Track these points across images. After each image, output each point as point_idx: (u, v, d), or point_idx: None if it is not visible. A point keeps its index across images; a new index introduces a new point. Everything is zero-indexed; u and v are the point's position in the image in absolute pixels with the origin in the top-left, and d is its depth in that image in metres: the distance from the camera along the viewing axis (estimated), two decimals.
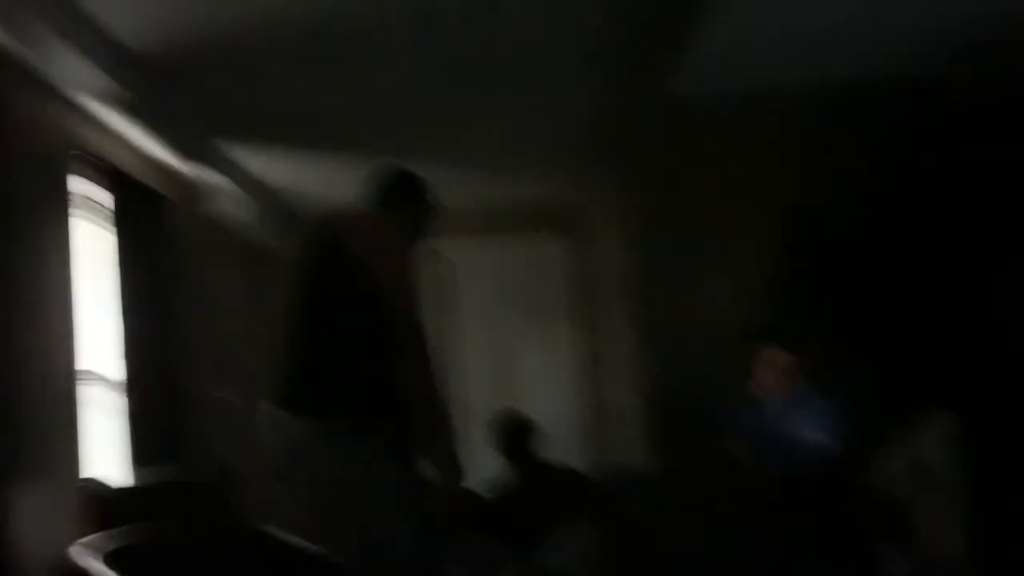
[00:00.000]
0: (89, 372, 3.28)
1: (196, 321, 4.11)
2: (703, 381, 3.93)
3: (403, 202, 2.37)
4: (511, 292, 5.94)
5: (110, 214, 3.39)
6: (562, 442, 5.16)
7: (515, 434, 3.62)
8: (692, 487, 3.66)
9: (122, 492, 2.95)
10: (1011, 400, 3.63)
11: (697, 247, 4.14)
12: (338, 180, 5.12)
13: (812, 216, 3.98)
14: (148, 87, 3.41)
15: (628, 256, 4.44)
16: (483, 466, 4.33)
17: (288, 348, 2.17)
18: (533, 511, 3.28)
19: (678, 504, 3.56)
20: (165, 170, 4.02)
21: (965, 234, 3.89)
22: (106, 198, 3.38)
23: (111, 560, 2.26)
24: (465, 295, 5.91)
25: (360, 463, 2.04)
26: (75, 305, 3.17)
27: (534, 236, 5.95)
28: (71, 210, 3.20)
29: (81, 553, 2.37)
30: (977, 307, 3.82)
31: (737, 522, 3.21)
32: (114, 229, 3.41)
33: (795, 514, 3.12)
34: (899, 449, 3.23)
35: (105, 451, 3.26)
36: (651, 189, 4.20)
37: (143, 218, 3.68)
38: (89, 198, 3.36)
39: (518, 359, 6.03)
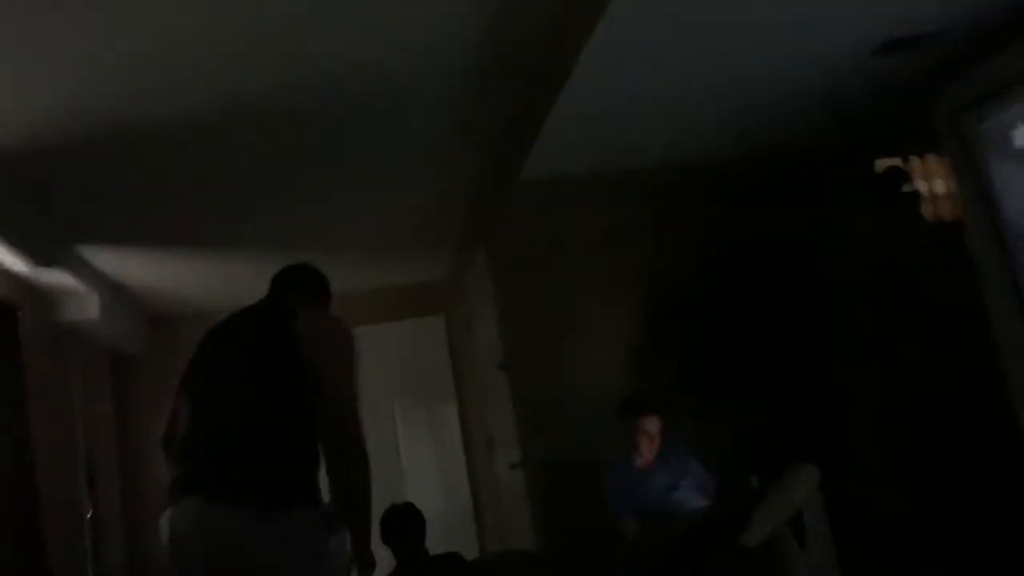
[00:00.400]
0: None
1: (55, 434, 3.89)
2: (583, 453, 4.00)
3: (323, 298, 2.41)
4: (394, 377, 5.88)
5: None
6: (452, 526, 5.11)
7: (398, 522, 3.55)
8: (580, 562, 3.68)
9: None
10: (872, 453, 3.86)
11: (567, 320, 4.27)
12: (202, 278, 5.02)
13: (669, 284, 4.17)
14: None
15: (503, 333, 4.50)
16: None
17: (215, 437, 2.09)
18: None
19: None
20: (11, 278, 3.83)
21: (814, 295, 4.16)
22: None
23: None
24: None
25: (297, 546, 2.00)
26: None
27: (414, 319, 5.93)
28: None
29: None
30: (836, 365, 4.06)
31: None
32: None
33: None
34: (771, 504, 3.34)
35: None
36: (517, 266, 4.32)
37: None
38: None
39: (404, 444, 5.94)
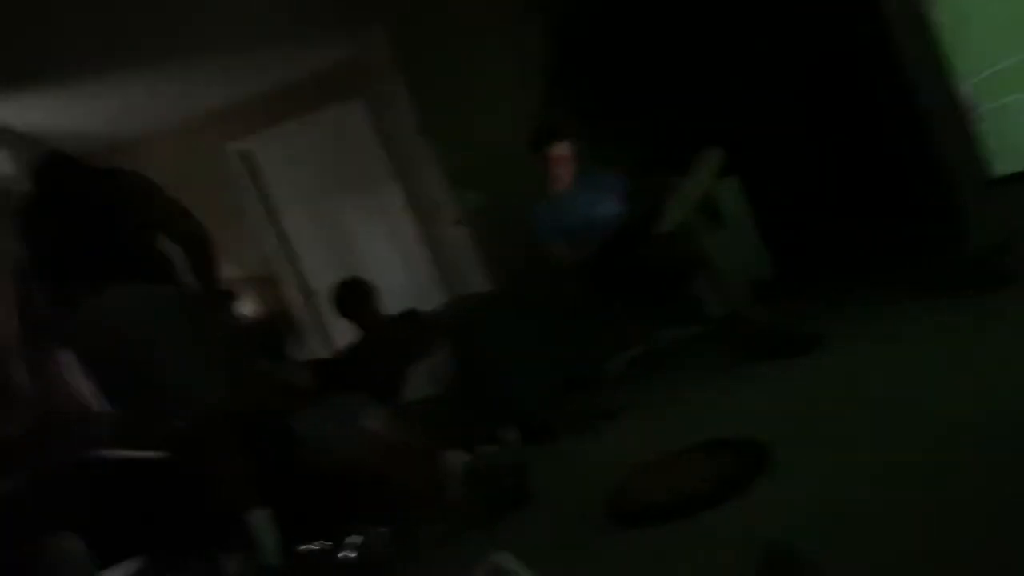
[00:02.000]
0: None
1: None
2: (517, 197, 4.13)
3: None
4: (327, 168, 5.92)
5: None
6: (417, 294, 5.35)
7: (349, 295, 3.75)
8: (527, 297, 3.91)
9: None
10: (775, 136, 3.96)
11: (477, 75, 4.26)
12: (96, 109, 4.86)
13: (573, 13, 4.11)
14: None
15: (414, 100, 4.50)
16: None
17: None
18: (382, 358, 3.46)
19: (516, 316, 3.78)
20: None
21: None
22: None
23: None
24: (282, 184, 5.88)
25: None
26: None
27: (334, 107, 5.84)
28: None
29: None
30: (738, 48, 4.07)
31: (570, 311, 3.45)
32: None
33: (613, 277, 3.36)
34: (678, 191, 3.46)
35: None
36: (416, 34, 4.25)
37: None
38: None
39: (358, 233, 6.09)
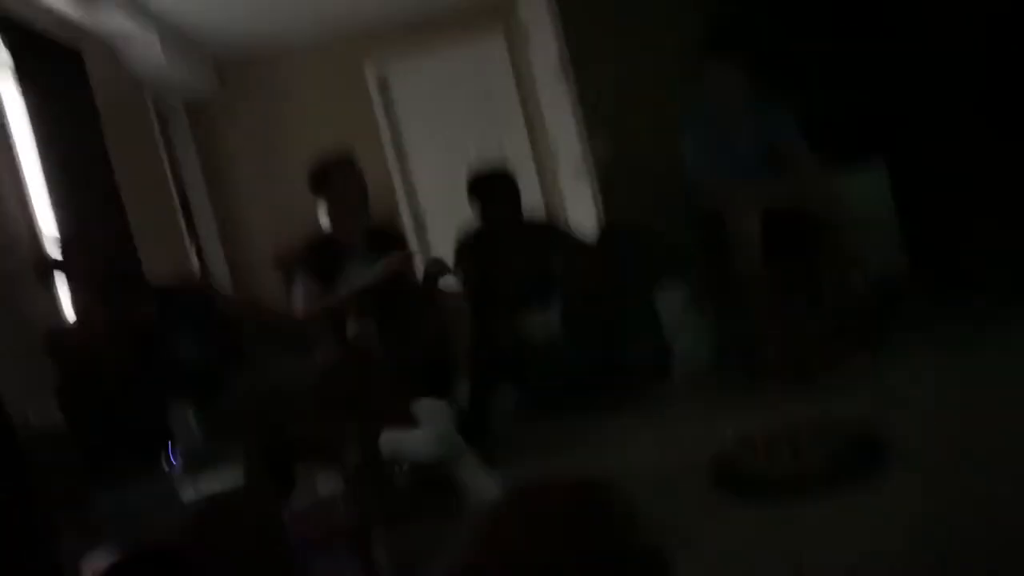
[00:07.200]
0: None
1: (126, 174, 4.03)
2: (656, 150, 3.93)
3: None
4: (464, 100, 5.84)
5: (16, 73, 3.25)
6: None
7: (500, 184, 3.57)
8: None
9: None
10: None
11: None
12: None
13: None
14: None
15: (562, 39, 4.34)
16: None
17: None
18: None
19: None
20: (68, 21, 3.86)
21: None
22: (7, 57, 3.23)
23: None
24: (415, 114, 5.86)
25: None
26: (21, 169, 3.19)
27: (473, 40, 5.75)
28: None
29: None
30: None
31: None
32: (23, 88, 3.28)
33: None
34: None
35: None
36: None
37: (52, 73, 3.54)
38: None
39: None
